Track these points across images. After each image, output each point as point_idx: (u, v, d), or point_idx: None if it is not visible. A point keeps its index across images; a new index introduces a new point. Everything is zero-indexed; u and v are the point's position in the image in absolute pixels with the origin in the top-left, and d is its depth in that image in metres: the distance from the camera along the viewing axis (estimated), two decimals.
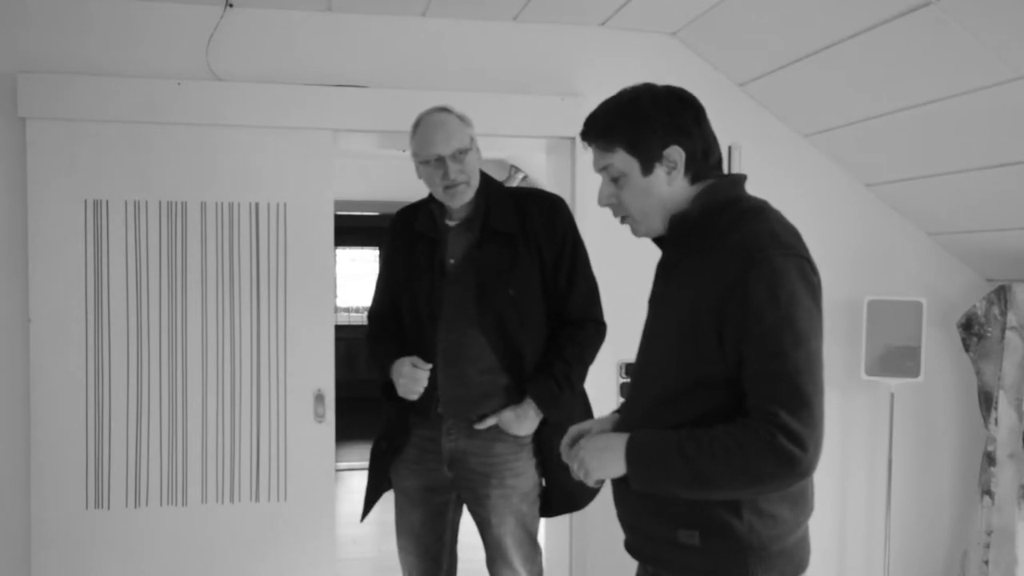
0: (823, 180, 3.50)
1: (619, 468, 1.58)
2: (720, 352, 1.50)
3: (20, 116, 2.89)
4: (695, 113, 1.62)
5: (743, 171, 3.33)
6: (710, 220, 1.58)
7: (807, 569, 1.61)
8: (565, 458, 1.71)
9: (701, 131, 1.61)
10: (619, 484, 1.66)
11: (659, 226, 1.64)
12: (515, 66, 3.26)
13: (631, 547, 1.72)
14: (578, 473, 1.64)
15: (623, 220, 1.69)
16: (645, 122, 1.59)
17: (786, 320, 1.45)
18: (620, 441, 1.58)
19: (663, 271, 1.71)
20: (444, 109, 2.35)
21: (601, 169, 1.65)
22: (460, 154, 2.28)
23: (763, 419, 1.44)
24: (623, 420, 1.72)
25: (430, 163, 2.30)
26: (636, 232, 1.68)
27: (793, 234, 1.57)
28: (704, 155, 1.61)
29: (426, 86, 3.15)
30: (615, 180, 1.63)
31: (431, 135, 2.29)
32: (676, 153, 1.58)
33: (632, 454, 1.56)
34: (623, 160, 1.60)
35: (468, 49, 3.23)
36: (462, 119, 2.34)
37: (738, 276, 1.48)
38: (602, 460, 1.60)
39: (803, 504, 1.59)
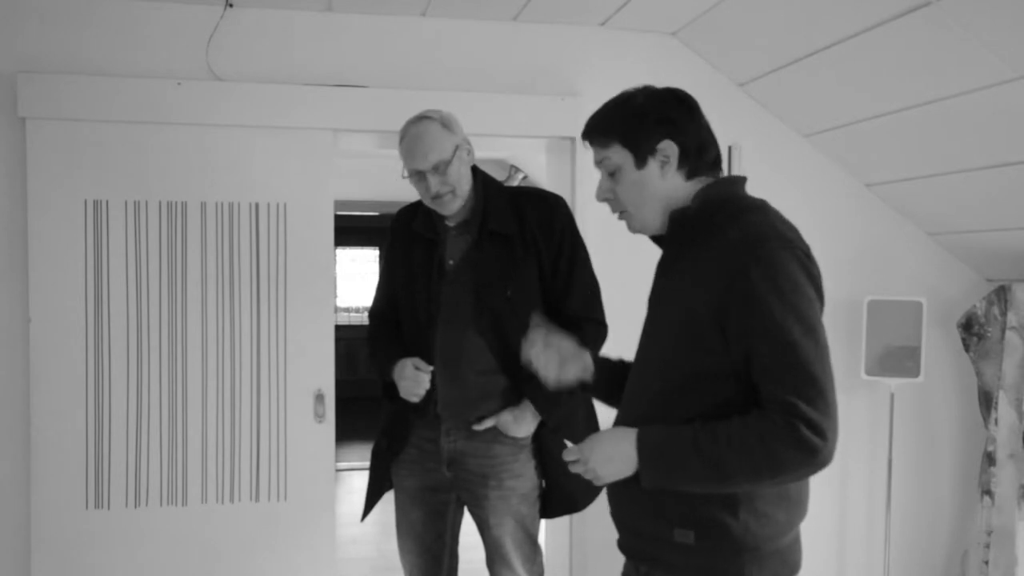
0: (823, 180, 3.50)
1: (630, 468, 1.56)
2: (723, 345, 1.50)
3: (20, 116, 2.89)
4: (689, 110, 1.65)
5: (743, 171, 3.32)
6: (709, 216, 1.60)
7: (799, 572, 1.61)
8: (567, 456, 1.67)
9: (695, 127, 1.64)
10: (614, 483, 1.66)
11: (653, 222, 1.66)
12: (515, 66, 3.26)
13: (624, 546, 1.71)
14: (586, 476, 1.61)
15: (620, 216, 1.72)
16: (639, 117, 1.63)
17: (793, 311, 1.46)
18: (629, 442, 1.56)
19: (662, 268, 1.73)
20: (427, 117, 2.31)
21: (598, 163, 1.69)
22: (440, 166, 2.26)
23: (782, 410, 1.44)
24: (622, 417, 1.71)
25: (413, 176, 2.31)
26: (631, 227, 1.71)
27: (792, 230, 1.59)
28: (698, 151, 1.63)
29: (426, 86, 3.15)
30: (612, 174, 1.67)
31: (410, 149, 2.29)
32: (669, 147, 1.61)
33: (644, 453, 1.54)
34: (618, 153, 1.64)
35: (468, 49, 3.23)
36: (446, 125, 2.29)
37: (740, 269, 1.48)
38: (612, 465, 1.57)
39: (798, 506, 1.60)
